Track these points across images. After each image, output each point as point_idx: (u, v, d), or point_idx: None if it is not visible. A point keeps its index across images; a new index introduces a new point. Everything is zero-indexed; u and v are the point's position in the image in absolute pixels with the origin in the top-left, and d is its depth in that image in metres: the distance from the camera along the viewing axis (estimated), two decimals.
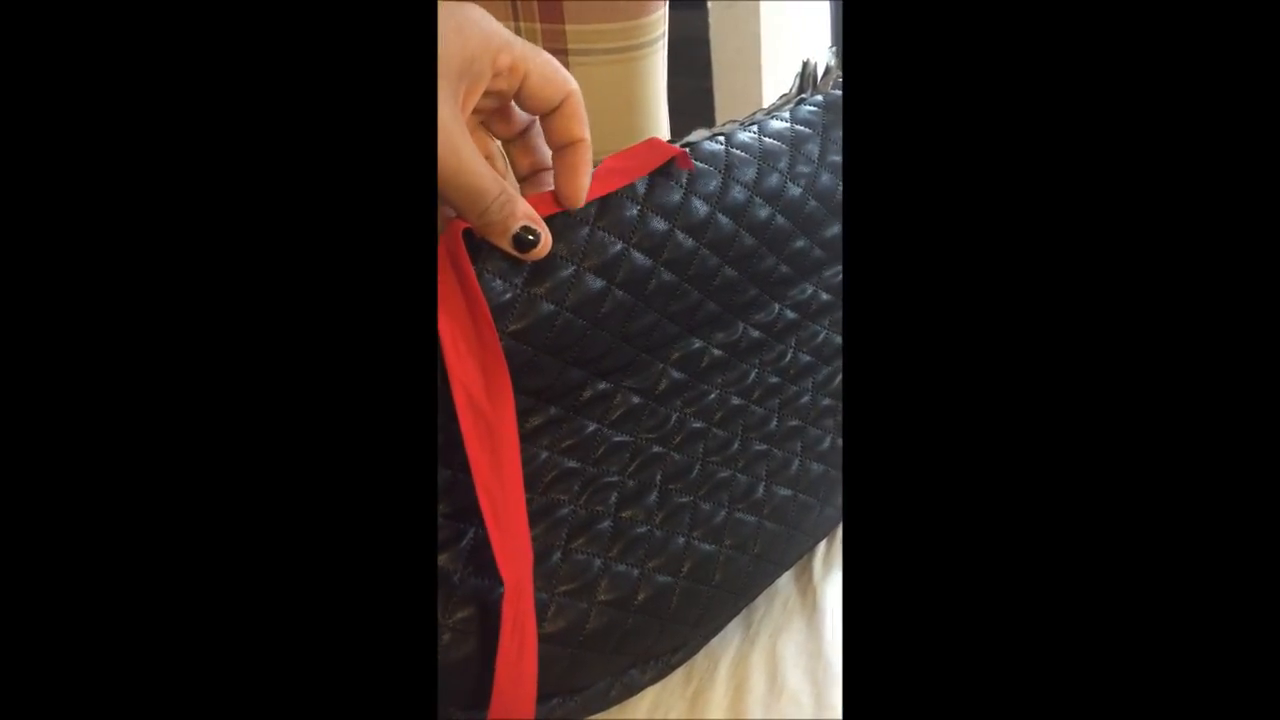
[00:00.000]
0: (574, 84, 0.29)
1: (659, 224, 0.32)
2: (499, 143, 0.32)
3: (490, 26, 0.27)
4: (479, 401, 0.27)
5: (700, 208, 0.33)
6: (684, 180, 0.33)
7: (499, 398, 0.27)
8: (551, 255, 0.29)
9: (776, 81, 0.91)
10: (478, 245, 0.28)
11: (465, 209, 0.26)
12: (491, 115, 0.30)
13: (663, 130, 0.54)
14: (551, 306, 0.29)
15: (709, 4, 0.92)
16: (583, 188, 0.29)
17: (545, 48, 0.49)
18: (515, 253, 0.28)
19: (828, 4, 0.94)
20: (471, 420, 0.27)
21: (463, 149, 0.25)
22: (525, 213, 0.27)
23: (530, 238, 0.27)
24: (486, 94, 0.27)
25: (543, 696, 0.32)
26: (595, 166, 0.31)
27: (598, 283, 0.30)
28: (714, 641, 0.37)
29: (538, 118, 0.30)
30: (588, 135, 0.29)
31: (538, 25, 0.47)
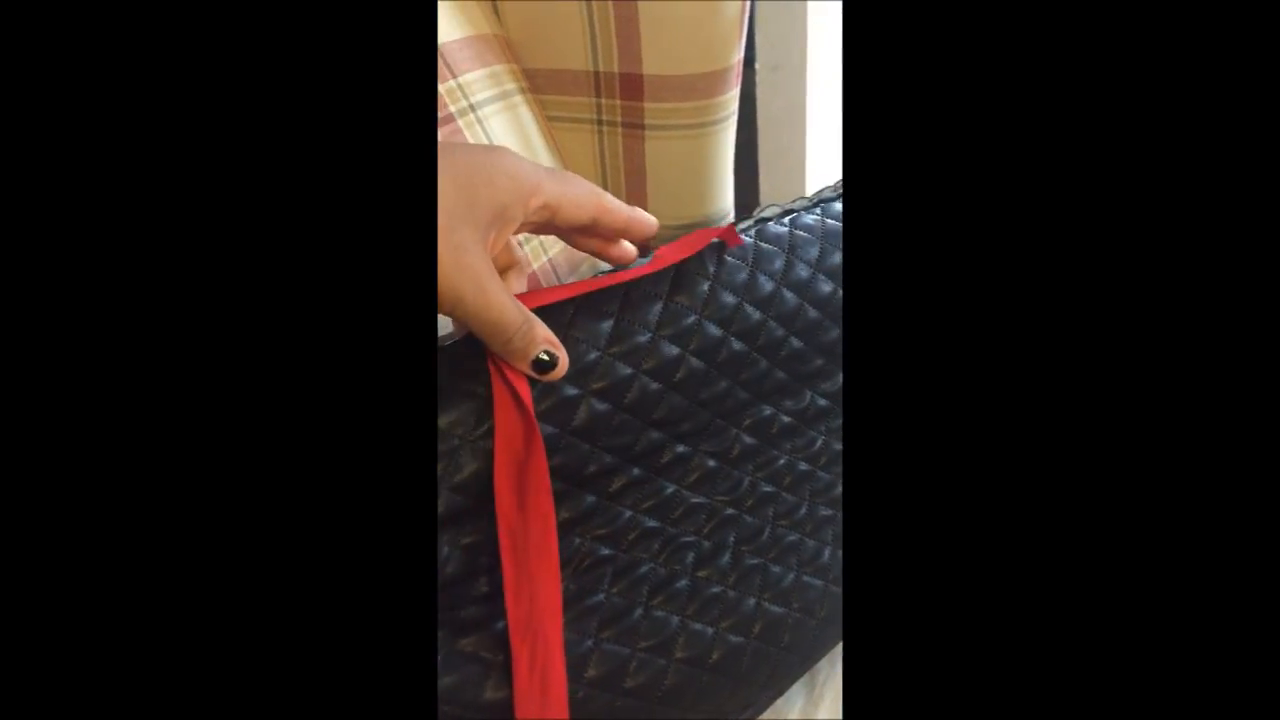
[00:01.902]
0: (600, 195, 0.31)
1: (728, 298, 0.34)
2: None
3: (521, 172, 0.29)
4: (514, 444, 0.29)
5: (766, 284, 0.36)
6: (750, 259, 0.35)
7: (533, 443, 0.29)
8: (630, 323, 0.32)
9: (820, 138, 0.93)
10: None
11: (490, 340, 0.28)
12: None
13: (727, 197, 0.56)
14: (629, 370, 0.32)
15: (756, 66, 0.96)
16: (651, 223, 0.33)
17: (623, 121, 0.52)
18: (534, 375, 0.29)
19: None
20: (503, 460, 0.29)
21: (489, 289, 0.27)
22: (545, 337, 0.29)
23: (548, 360, 0.29)
24: (523, 225, 0.30)
25: None
26: (650, 253, 0.34)
27: (673, 349, 0.33)
28: (779, 702, 0.38)
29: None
30: (630, 212, 0.32)
31: (618, 102, 0.50)
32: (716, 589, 0.35)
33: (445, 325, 0.33)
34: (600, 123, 0.52)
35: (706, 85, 0.48)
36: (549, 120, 0.53)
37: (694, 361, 0.34)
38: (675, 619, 0.33)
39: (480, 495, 0.29)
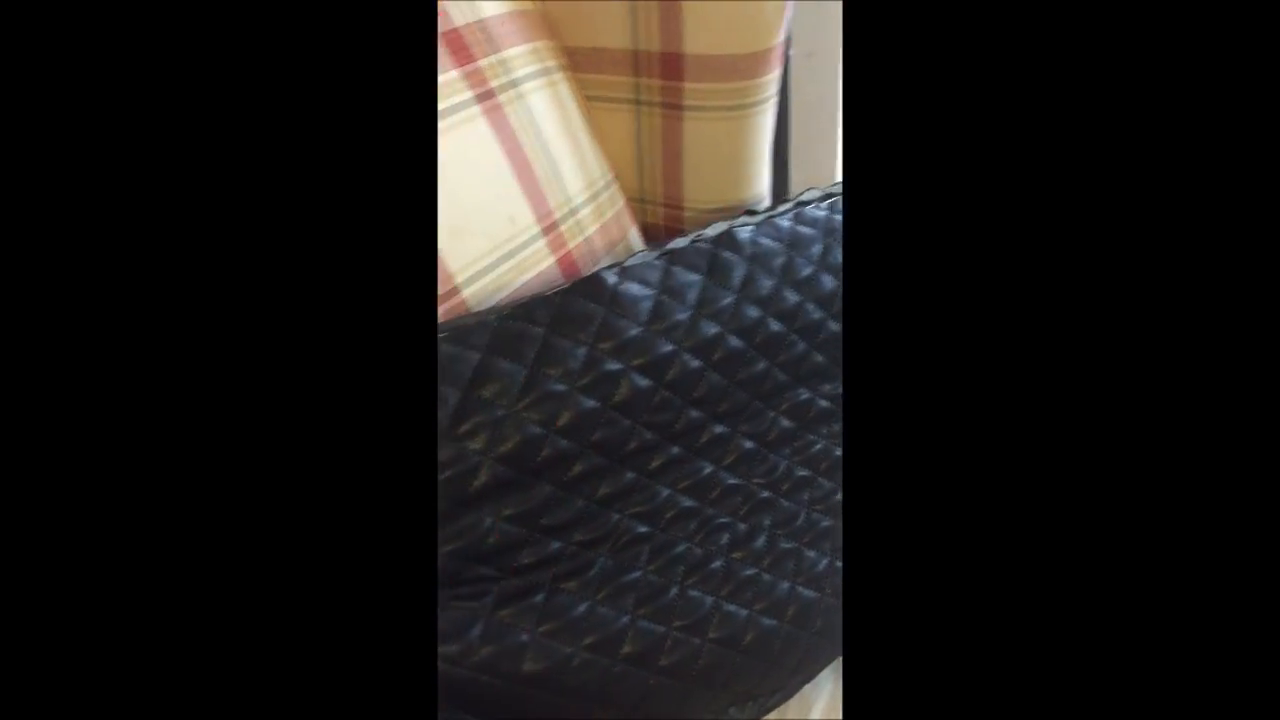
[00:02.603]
0: None
1: (766, 280, 0.35)
2: None
3: None
4: None
5: (804, 266, 0.36)
6: (787, 242, 0.36)
7: None
8: (670, 301, 0.32)
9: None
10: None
11: None
12: None
13: (763, 181, 0.56)
14: (670, 346, 0.32)
15: (790, 53, 0.95)
16: None
17: (662, 101, 0.51)
18: None
19: None
20: None
21: None
22: None
23: None
24: None
25: None
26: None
27: (712, 328, 0.33)
28: (807, 688, 0.38)
29: None
30: None
31: (657, 81, 0.49)
32: (751, 571, 0.35)
33: (482, 300, 0.32)
34: (638, 103, 0.51)
35: (749, 66, 0.47)
36: (587, 100, 0.53)
37: (733, 341, 0.34)
38: (710, 599, 0.33)
39: (522, 467, 0.29)
